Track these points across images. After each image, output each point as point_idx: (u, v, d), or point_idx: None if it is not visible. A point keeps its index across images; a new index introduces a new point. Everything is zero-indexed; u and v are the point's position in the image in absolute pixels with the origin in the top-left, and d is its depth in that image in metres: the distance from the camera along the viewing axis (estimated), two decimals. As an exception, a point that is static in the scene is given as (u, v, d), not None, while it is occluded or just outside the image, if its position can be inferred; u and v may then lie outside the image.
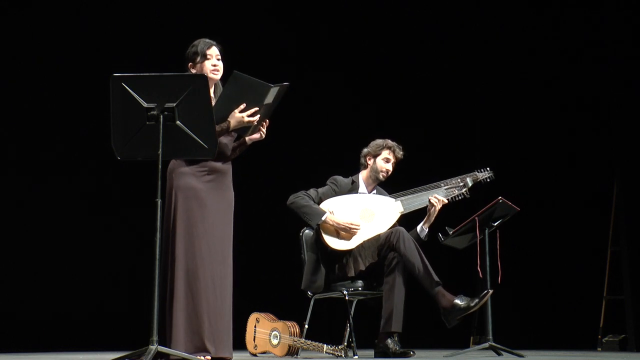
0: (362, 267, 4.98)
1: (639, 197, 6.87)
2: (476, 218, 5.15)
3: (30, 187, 6.76)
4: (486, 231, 5.17)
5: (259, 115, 3.97)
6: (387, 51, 7.81)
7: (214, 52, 4.12)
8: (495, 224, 5.22)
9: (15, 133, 6.70)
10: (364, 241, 4.97)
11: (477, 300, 4.75)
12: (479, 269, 5.07)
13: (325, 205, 5.00)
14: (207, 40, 4.13)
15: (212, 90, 4.14)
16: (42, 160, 6.78)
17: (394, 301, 4.80)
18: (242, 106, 3.95)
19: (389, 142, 5.22)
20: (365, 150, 5.25)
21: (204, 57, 4.09)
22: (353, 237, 4.95)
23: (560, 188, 7.43)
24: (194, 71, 4.08)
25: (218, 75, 4.12)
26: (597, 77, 7.25)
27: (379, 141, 5.23)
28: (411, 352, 4.81)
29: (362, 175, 5.24)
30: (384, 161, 5.18)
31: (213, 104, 3.99)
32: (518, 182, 7.19)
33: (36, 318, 6.55)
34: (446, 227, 5.20)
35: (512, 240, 6.10)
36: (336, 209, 4.99)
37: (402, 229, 4.96)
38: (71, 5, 6.89)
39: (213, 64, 4.11)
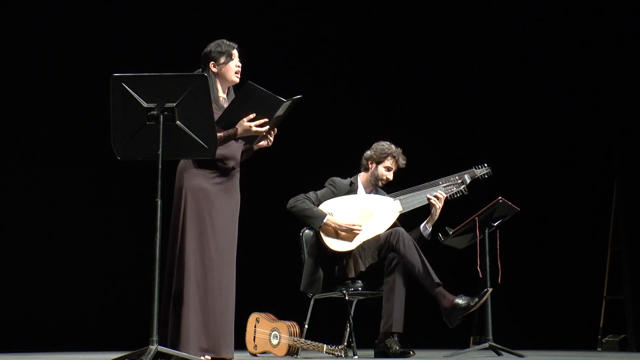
0: (362, 268, 4.98)
1: (639, 197, 6.87)
2: (476, 218, 5.14)
3: (31, 187, 6.76)
4: (486, 231, 5.17)
5: (267, 127, 3.96)
6: (388, 51, 7.81)
7: (236, 54, 4.13)
8: (495, 224, 5.22)
9: (15, 133, 6.70)
10: (363, 242, 4.97)
11: (477, 299, 4.76)
12: (479, 269, 5.07)
13: (324, 207, 4.99)
14: (230, 42, 4.13)
15: (225, 93, 4.14)
16: (42, 161, 6.78)
17: (394, 301, 4.80)
18: (252, 116, 3.93)
19: (394, 149, 5.16)
20: (368, 153, 5.21)
21: (230, 57, 4.10)
22: (353, 238, 4.94)
23: (560, 188, 7.43)
24: (215, 70, 4.08)
25: (238, 78, 4.13)
26: (597, 77, 7.26)
27: (384, 146, 5.17)
28: (411, 352, 4.81)
29: (362, 177, 5.23)
30: (386, 169, 5.15)
31: (225, 106, 4.01)
32: (518, 182, 7.19)
33: (36, 318, 6.55)
34: (446, 227, 5.19)
35: (512, 240, 6.10)
36: (335, 210, 4.98)
37: (401, 229, 4.96)
38: (71, 5, 6.89)
39: (237, 65, 4.13)
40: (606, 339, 6.80)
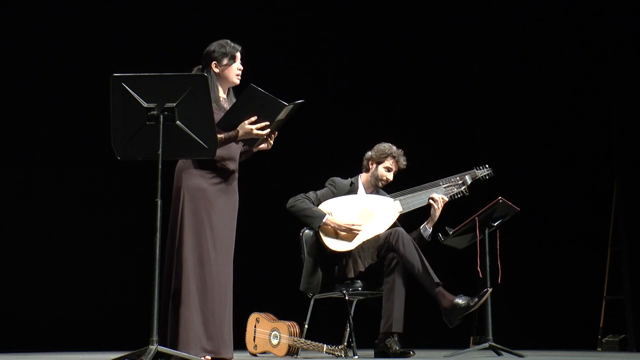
0: (362, 268, 4.98)
1: (639, 197, 6.87)
2: (476, 218, 5.14)
3: (31, 187, 6.76)
4: (486, 231, 5.17)
5: (268, 130, 3.96)
6: (389, 51, 7.81)
7: (239, 56, 4.12)
8: (495, 224, 5.22)
9: (15, 133, 6.70)
10: (363, 242, 4.97)
11: (476, 298, 4.76)
12: (479, 269, 5.07)
13: (323, 207, 4.99)
14: (234, 44, 4.11)
15: (226, 94, 4.14)
16: (42, 161, 6.78)
17: (394, 301, 4.80)
18: (253, 118, 3.92)
19: (394, 150, 5.17)
20: (369, 153, 5.23)
21: (233, 59, 4.09)
22: (353, 238, 4.94)
23: (560, 188, 7.43)
24: (216, 70, 4.07)
25: (239, 80, 4.12)
26: (597, 77, 7.26)
27: (384, 147, 5.18)
28: (411, 352, 4.81)
29: (362, 177, 5.23)
30: (386, 170, 5.16)
31: (226, 106, 4.01)
32: (518, 182, 7.19)
33: (36, 318, 6.56)
34: (446, 227, 5.19)
35: (512, 240, 6.10)
36: (335, 210, 4.98)
37: (401, 229, 4.96)
38: (71, 5, 6.89)
39: (239, 68, 4.11)
40: (606, 339, 6.80)
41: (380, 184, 5.17)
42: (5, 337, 6.24)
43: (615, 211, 7.07)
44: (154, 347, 3.48)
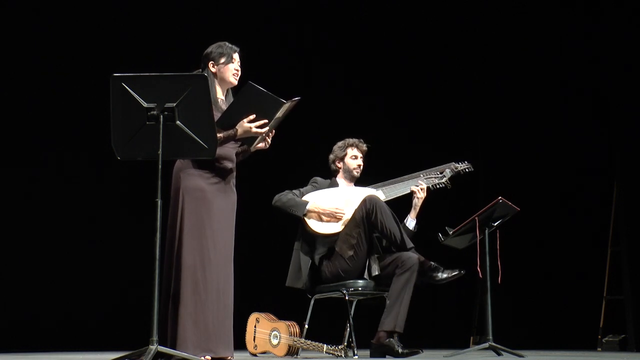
0: (354, 241, 4.97)
1: (639, 197, 6.87)
2: (476, 218, 5.15)
3: (30, 187, 6.76)
4: (486, 231, 5.17)
5: (267, 128, 3.97)
6: (388, 51, 7.80)
7: (237, 57, 4.15)
8: (495, 224, 5.22)
9: (16, 133, 6.70)
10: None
11: (446, 275, 4.79)
12: (479, 269, 5.07)
13: (307, 198, 5.09)
14: (231, 44, 4.15)
15: (224, 95, 4.15)
16: (41, 161, 6.78)
17: (402, 301, 4.80)
18: (252, 117, 3.94)
19: (349, 140, 5.31)
20: (331, 157, 5.35)
21: (230, 59, 4.12)
22: (338, 221, 4.99)
23: (560, 188, 7.43)
24: (214, 70, 4.10)
25: (237, 81, 4.14)
26: (597, 77, 7.26)
27: (339, 143, 5.33)
28: (420, 351, 4.81)
29: (339, 176, 5.33)
30: (352, 159, 5.27)
31: (224, 107, 4.01)
32: (518, 182, 7.19)
33: (36, 318, 6.55)
34: (446, 227, 5.20)
35: (512, 240, 6.10)
36: (318, 199, 5.04)
37: (375, 197, 4.96)
38: (71, 5, 6.89)
39: (236, 68, 4.15)
40: (606, 339, 6.81)
41: (355, 173, 5.27)
42: (5, 337, 6.24)
43: (615, 211, 7.07)
44: (154, 347, 3.48)
